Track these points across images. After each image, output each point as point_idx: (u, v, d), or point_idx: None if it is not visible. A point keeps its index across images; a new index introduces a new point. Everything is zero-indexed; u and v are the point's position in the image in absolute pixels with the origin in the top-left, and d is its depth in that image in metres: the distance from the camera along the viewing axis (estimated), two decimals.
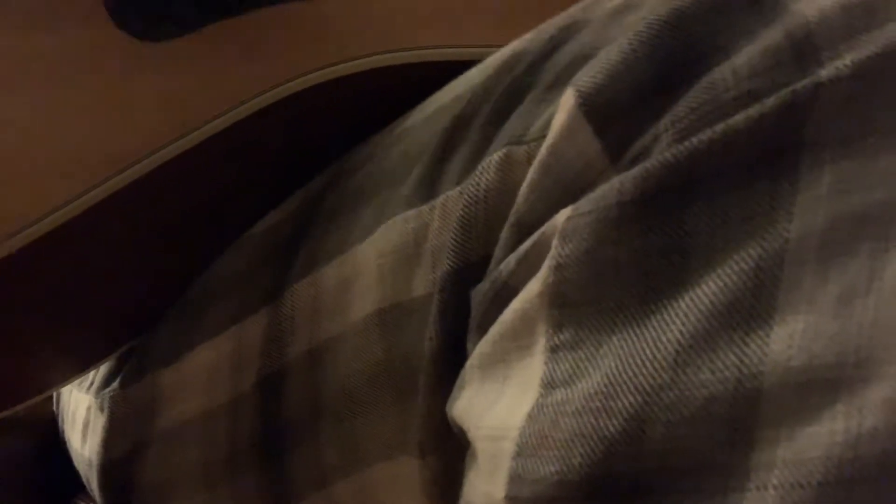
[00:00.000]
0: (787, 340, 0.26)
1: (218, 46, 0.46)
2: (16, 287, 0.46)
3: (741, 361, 0.27)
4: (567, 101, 0.33)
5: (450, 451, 0.39)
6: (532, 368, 0.31)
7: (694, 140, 0.29)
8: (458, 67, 0.45)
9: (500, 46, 0.44)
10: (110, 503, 0.55)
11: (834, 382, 0.26)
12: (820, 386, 0.26)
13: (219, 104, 0.47)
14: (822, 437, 0.25)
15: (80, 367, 0.52)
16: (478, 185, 0.37)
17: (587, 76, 0.33)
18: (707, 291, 0.28)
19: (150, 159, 0.46)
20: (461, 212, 0.38)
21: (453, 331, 0.38)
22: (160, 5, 0.46)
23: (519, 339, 0.32)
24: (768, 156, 0.28)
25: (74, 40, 0.44)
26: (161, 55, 0.46)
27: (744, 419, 0.26)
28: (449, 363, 0.38)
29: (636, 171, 0.30)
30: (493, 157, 0.37)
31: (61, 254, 0.45)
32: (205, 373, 0.50)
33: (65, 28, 0.44)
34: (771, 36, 0.30)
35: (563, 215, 0.31)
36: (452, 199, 0.39)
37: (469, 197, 0.37)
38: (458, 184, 0.39)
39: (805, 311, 0.27)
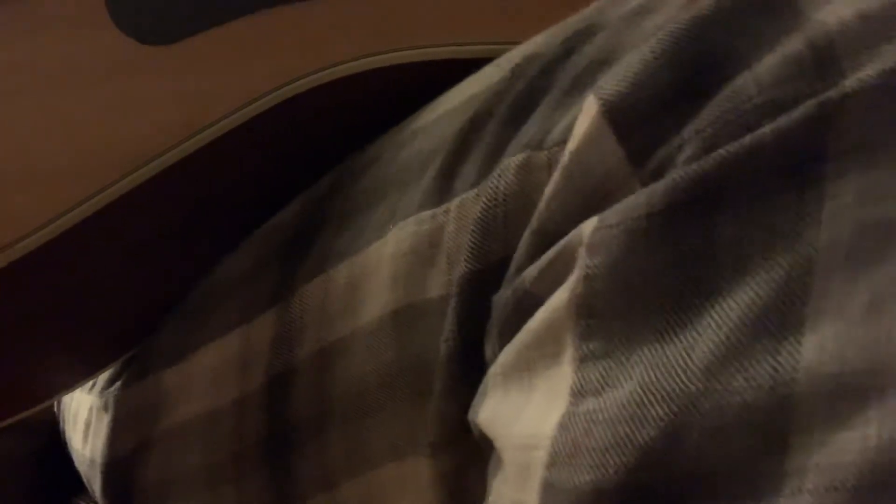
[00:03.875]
0: (818, 348, 0.27)
1: (223, 47, 0.46)
2: (25, 291, 0.46)
3: (774, 369, 0.27)
4: (590, 109, 0.33)
5: (462, 451, 0.39)
6: (560, 377, 0.32)
7: (722, 151, 0.29)
8: (467, 66, 0.45)
9: (508, 44, 0.44)
10: (112, 503, 0.55)
11: (865, 389, 0.26)
12: (851, 392, 0.26)
13: (225, 105, 0.47)
14: (854, 443, 0.26)
15: (88, 372, 0.53)
16: (496, 188, 0.37)
17: (610, 84, 0.33)
18: (738, 301, 0.28)
19: (157, 161, 0.46)
20: (479, 214, 0.38)
21: (470, 333, 0.38)
22: (162, 9, 0.46)
23: (544, 348, 0.33)
24: (794, 166, 0.29)
25: (80, 44, 0.44)
26: (166, 57, 0.46)
27: (778, 426, 0.27)
28: (465, 365, 0.38)
29: (665, 182, 0.30)
30: (513, 160, 0.37)
31: (71, 257, 0.45)
32: (210, 373, 0.50)
33: (70, 32, 0.44)
34: (792, 44, 0.31)
35: (589, 226, 0.31)
36: (468, 201, 0.39)
37: (487, 200, 0.37)
38: (473, 186, 0.39)
39: (835, 319, 0.27)
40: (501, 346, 0.35)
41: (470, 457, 0.39)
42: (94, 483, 0.57)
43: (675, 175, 0.30)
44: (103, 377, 0.56)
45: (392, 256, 0.42)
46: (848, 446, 0.26)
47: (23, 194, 0.44)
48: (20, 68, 0.44)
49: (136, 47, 0.45)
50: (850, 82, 0.29)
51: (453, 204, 0.40)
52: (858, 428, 0.26)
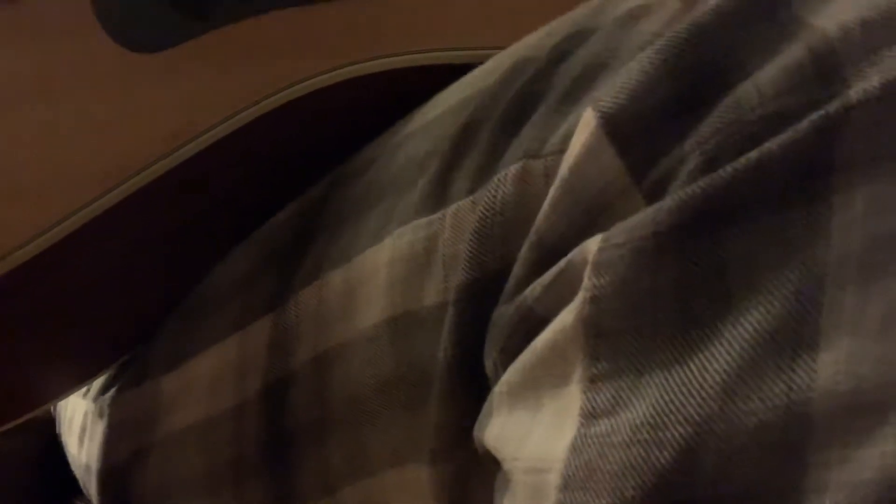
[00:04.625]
0: (833, 365, 0.27)
1: (214, 54, 0.46)
2: (18, 301, 0.46)
3: (789, 388, 0.27)
4: (588, 121, 0.33)
5: (462, 459, 0.39)
6: (568, 398, 0.31)
7: (729, 168, 0.29)
8: (462, 71, 0.45)
9: (495, 49, 0.44)
10: None
11: (882, 404, 0.26)
12: (868, 409, 0.26)
13: (217, 112, 0.46)
14: (873, 460, 0.26)
15: (81, 379, 0.52)
16: (494, 197, 0.37)
17: (608, 96, 0.33)
18: (750, 319, 0.28)
19: (150, 170, 0.45)
20: (476, 224, 0.37)
21: (468, 342, 0.38)
22: (152, 16, 0.45)
23: (551, 369, 0.32)
24: (802, 179, 0.28)
25: (71, 53, 0.44)
26: (158, 65, 0.45)
27: (795, 445, 0.27)
28: (463, 373, 0.38)
29: (671, 200, 0.29)
30: (510, 169, 0.37)
31: (63, 267, 0.45)
32: (208, 379, 0.50)
33: (61, 42, 0.44)
34: (792, 53, 0.30)
35: (593, 244, 0.31)
36: (465, 209, 0.39)
37: (485, 209, 0.37)
38: (469, 193, 0.39)
39: (849, 335, 0.27)
40: (504, 363, 0.35)
41: (470, 464, 0.39)
42: (91, 488, 0.56)
43: (682, 193, 0.29)
44: (98, 382, 0.56)
45: (388, 263, 0.41)
46: (867, 463, 0.26)
47: (16, 205, 0.43)
48: (8, 78, 0.43)
49: (126, 56, 0.45)
50: (854, 93, 0.29)
51: (449, 211, 0.39)
52: (877, 444, 0.26)
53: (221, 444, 0.49)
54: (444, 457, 0.40)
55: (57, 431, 0.64)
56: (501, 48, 0.43)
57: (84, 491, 0.59)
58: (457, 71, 0.45)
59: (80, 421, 0.58)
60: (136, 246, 0.48)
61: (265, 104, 0.47)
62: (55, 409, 0.65)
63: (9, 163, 0.43)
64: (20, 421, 0.51)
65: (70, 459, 0.61)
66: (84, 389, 0.57)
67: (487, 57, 0.44)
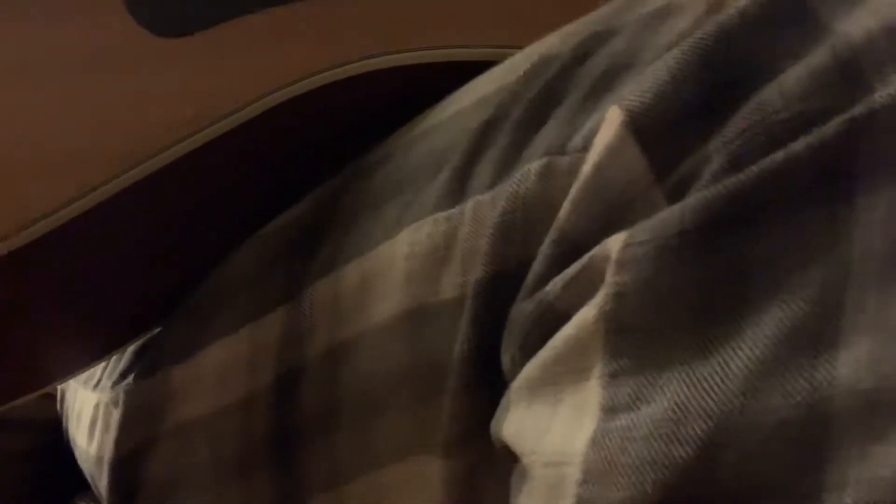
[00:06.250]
0: (854, 364, 0.27)
1: (236, 41, 0.46)
2: (27, 278, 0.46)
3: (811, 385, 0.27)
4: (614, 119, 0.33)
5: (475, 453, 0.39)
6: (588, 392, 0.32)
7: (754, 168, 0.29)
8: (476, 68, 0.45)
9: (512, 47, 0.44)
10: (117, 500, 0.55)
11: None
12: (888, 407, 0.26)
13: (236, 99, 0.47)
14: (892, 457, 0.26)
15: (94, 356, 0.52)
16: (517, 192, 0.37)
17: (634, 94, 0.33)
18: (772, 317, 0.28)
19: (165, 154, 0.45)
20: (498, 218, 0.38)
21: (486, 336, 0.38)
22: (178, 0, 0.46)
23: (571, 364, 0.33)
24: (825, 181, 0.29)
25: (91, 34, 0.44)
26: (179, 49, 0.46)
27: (815, 442, 0.27)
28: (480, 367, 0.38)
29: (696, 200, 0.30)
30: (533, 165, 0.37)
31: (73, 247, 0.45)
32: (218, 370, 0.50)
33: (81, 21, 0.44)
34: (817, 57, 0.31)
35: (617, 241, 0.31)
36: (485, 203, 0.39)
37: (506, 204, 0.37)
38: (489, 188, 0.39)
39: (870, 335, 0.27)
40: (523, 359, 0.35)
41: (482, 458, 0.39)
42: (100, 480, 0.56)
43: (707, 192, 0.30)
44: (116, 372, 0.56)
45: (406, 257, 0.41)
46: (886, 461, 0.26)
47: (31, 182, 0.44)
48: (33, 56, 0.44)
49: (150, 39, 0.45)
50: (878, 97, 0.29)
51: (468, 205, 0.39)
52: (895, 443, 0.26)
53: (230, 436, 0.49)
54: (457, 450, 0.40)
55: (63, 427, 0.64)
56: (518, 47, 0.44)
57: (92, 485, 0.59)
58: (473, 69, 0.45)
59: (89, 414, 0.58)
60: (150, 227, 0.48)
61: (284, 93, 0.47)
62: (61, 405, 0.65)
63: (23, 140, 0.43)
64: (33, 396, 0.51)
65: (78, 454, 0.61)
66: (93, 382, 0.57)
67: (503, 55, 0.44)
